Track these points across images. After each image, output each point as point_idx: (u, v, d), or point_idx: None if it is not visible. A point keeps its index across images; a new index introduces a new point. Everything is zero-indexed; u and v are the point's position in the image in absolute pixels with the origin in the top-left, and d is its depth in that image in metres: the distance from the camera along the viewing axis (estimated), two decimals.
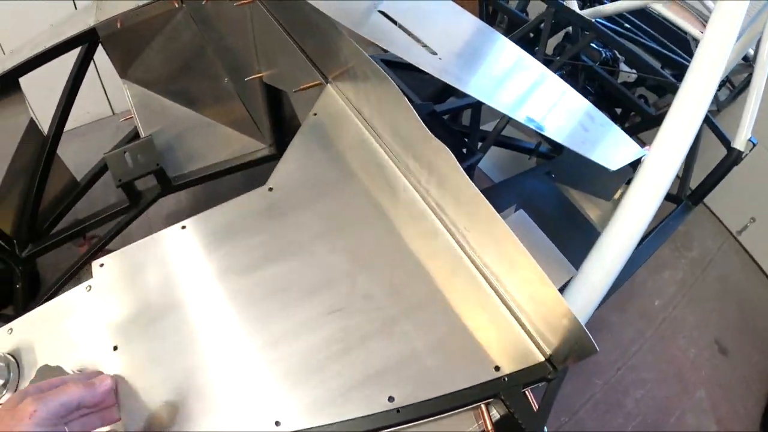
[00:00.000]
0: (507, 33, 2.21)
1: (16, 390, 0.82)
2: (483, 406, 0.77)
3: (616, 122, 2.19)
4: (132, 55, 1.71)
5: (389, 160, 1.02)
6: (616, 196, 1.75)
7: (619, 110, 2.15)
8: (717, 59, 0.95)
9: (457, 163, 0.81)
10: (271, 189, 0.99)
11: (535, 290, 0.79)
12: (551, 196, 2.09)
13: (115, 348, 0.84)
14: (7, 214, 1.56)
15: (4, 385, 0.81)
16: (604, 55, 2.09)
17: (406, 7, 1.23)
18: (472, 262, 0.89)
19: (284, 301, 0.85)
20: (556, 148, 2.22)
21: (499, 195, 2.11)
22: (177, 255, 0.93)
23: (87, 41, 1.53)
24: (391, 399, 0.75)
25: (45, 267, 1.84)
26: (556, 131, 1.07)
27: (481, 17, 2.32)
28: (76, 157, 2.04)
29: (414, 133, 0.90)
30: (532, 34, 2.20)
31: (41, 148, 1.62)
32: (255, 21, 1.42)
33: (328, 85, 1.17)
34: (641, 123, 2.02)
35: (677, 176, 1.82)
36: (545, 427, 0.78)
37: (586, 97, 2.12)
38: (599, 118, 1.26)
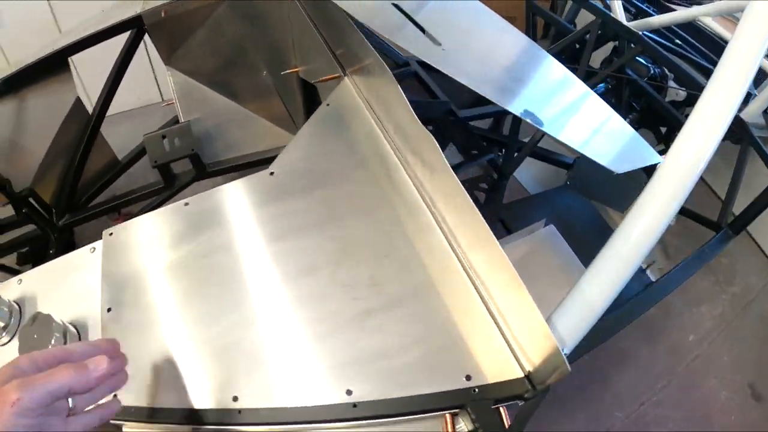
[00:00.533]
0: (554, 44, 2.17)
1: (14, 334, 0.88)
2: (448, 417, 0.73)
3: (660, 142, 2.10)
4: (176, 43, 1.81)
5: (392, 153, 1.02)
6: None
7: (664, 129, 2.06)
8: (746, 59, 0.88)
9: (441, 152, 0.81)
10: (272, 173, 1.02)
11: (515, 298, 0.76)
12: (586, 214, 2.03)
13: (109, 310, 0.89)
14: (48, 183, 1.68)
15: (4, 328, 0.88)
16: (652, 71, 2.01)
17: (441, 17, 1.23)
18: (460, 261, 0.87)
19: (265, 282, 0.87)
20: None
21: (531, 207, 2.07)
22: (175, 230, 0.97)
23: (133, 27, 1.64)
24: (349, 392, 0.73)
25: (80, 237, 1.97)
26: (557, 128, 1.03)
27: (528, 27, 2.29)
28: (122, 138, 2.16)
29: (409, 125, 0.91)
30: (578, 45, 2.16)
31: (85, 125, 1.74)
32: (292, 16, 1.47)
33: (345, 78, 1.19)
34: None
35: (720, 201, 1.73)
36: None
37: (630, 113, 2.06)
38: (613, 120, 1.20)
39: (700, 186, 2.41)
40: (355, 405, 0.73)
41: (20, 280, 0.98)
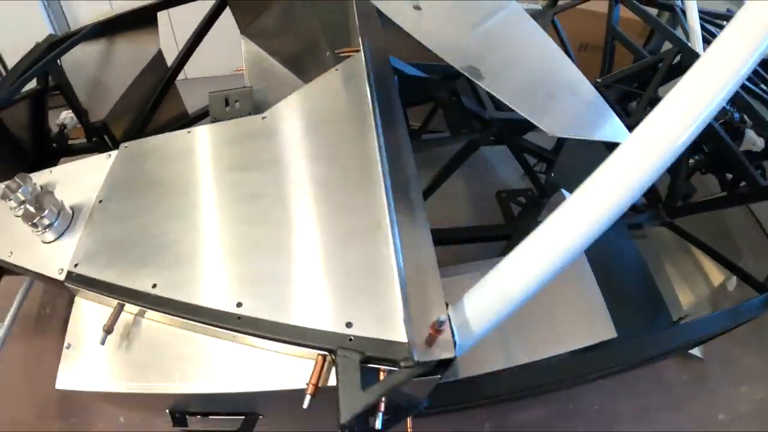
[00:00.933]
0: None
1: (29, 208, 1.09)
2: (319, 358, 0.77)
3: (723, 189, 1.96)
4: (252, 15, 2.06)
5: (371, 114, 1.11)
6: None
7: (729, 176, 1.93)
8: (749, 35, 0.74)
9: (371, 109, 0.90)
10: (264, 117, 1.17)
11: (424, 266, 0.82)
12: (627, 254, 1.95)
13: (100, 201, 1.09)
14: (120, 122, 1.99)
15: (24, 202, 1.11)
16: (730, 114, 1.90)
17: None
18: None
19: (213, 201, 1.02)
20: (651, 201, 2.06)
21: None
22: (175, 150, 1.16)
23: None
24: (239, 305, 0.83)
25: None
26: (498, 83, 1.01)
27: (606, 53, 2.27)
28: (201, 98, 2.46)
29: None
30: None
31: (162, 76, 2.03)
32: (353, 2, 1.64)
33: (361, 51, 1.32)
34: (749, 194, 1.79)
35: None
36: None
37: (696, 154, 1.95)
38: (575, 84, 1.13)
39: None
40: (239, 317, 0.82)
41: (51, 170, 1.21)
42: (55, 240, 1.05)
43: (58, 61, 1.75)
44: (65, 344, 0.94)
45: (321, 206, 0.96)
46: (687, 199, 2.00)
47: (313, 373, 0.76)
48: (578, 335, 1.54)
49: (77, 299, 1.00)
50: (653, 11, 2.15)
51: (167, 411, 0.97)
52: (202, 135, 1.18)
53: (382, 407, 0.75)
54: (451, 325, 0.76)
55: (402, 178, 0.97)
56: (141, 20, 1.89)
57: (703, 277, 2.15)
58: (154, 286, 0.90)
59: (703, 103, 0.77)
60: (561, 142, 2.41)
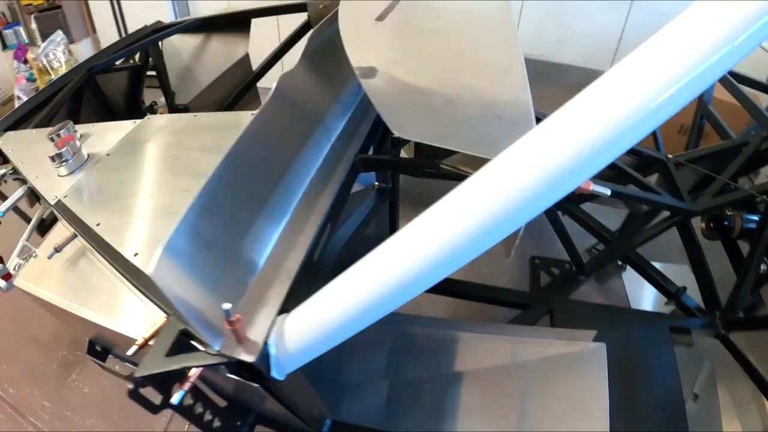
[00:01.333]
0: None
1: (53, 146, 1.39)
2: (165, 319, 0.87)
3: None
4: None
5: None
6: None
7: None
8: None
9: None
10: (252, 114, 1.36)
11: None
12: (660, 357, 1.81)
13: (107, 154, 1.36)
14: (202, 109, 2.35)
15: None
16: None
17: None
18: None
19: (171, 170, 1.24)
20: (708, 306, 1.86)
21: (598, 317, 1.91)
22: (173, 128, 1.42)
23: (298, 11, 2.18)
24: (135, 254, 1.00)
25: None
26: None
27: (692, 132, 2.14)
28: None
29: None
30: None
31: (244, 77, 2.37)
32: None
33: None
34: None
35: None
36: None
37: None
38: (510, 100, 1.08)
39: None
40: (130, 265, 1.00)
41: (93, 125, 1.53)
42: (66, 175, 1.33)
43: (159, 44, 2.15)
44: (33, 253, 1.19)
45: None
46: (751, 312, 1.78)
47: (150, 327, 0.88)
48: (565, 423, 1.47)
49: (58, 223, 1.26)
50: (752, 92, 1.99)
51: (89, 339, 1.17)
52: (203, 119, 1.42)
53: (187, 386, 0.82)
54: (269, 334, 0.82)
55: (316, 193, 1.12)
56: (236, 23, 2.24)
57: (758, 408, 1.86)
58: (98, 225, 1.11)
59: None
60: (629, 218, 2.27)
